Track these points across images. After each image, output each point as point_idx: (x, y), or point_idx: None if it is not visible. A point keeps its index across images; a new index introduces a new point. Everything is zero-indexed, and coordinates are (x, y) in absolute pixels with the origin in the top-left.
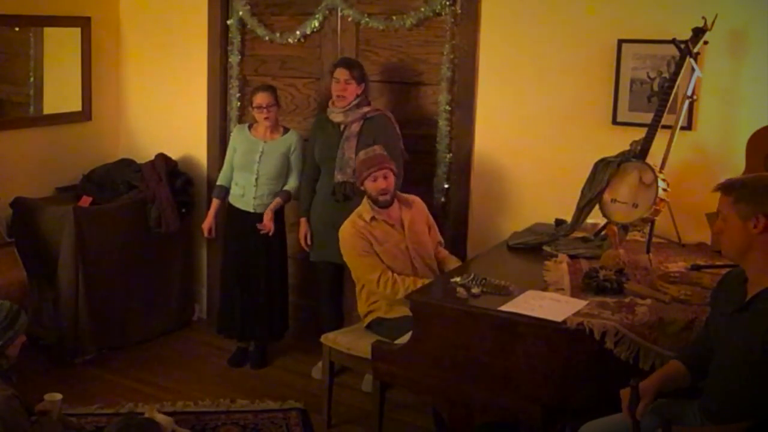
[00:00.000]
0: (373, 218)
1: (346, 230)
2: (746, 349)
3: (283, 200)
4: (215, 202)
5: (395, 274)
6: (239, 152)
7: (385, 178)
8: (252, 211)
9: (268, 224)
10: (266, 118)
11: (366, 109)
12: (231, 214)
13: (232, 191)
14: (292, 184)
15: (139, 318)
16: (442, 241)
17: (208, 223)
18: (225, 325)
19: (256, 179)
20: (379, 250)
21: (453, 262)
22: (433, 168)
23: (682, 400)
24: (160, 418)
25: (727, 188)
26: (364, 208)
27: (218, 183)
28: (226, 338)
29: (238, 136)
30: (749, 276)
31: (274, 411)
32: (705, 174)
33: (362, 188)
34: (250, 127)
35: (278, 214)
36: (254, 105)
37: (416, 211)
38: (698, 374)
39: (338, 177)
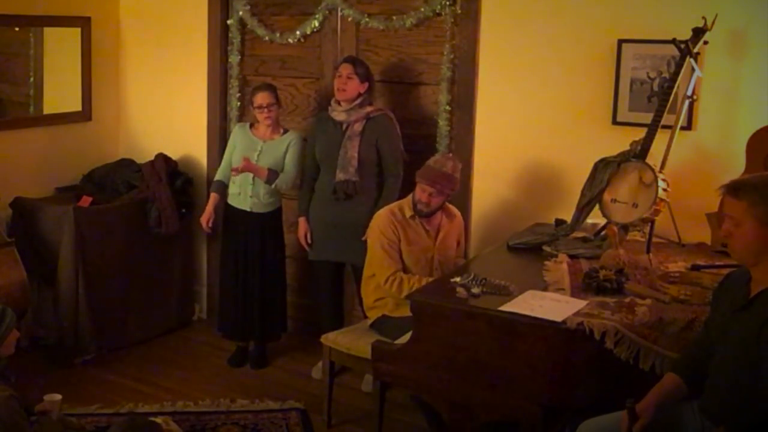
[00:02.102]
0: (413, 216)
1: (382, 215)
2: (745, 346)
3: (268, 176)
4: (213, 197)
5: (403, 274)
6: (238, 150)
7: (430, 195)
8: (249, 210)
9: (243, 163)
10: (267, 118)
11: (369, 109)
12: (228, 213)
13: (229, 190)
14: (283, 174)
15: (139, 318)
16: (463, 257)
17: (206, 215)
18: (224, 324)
19: (253, 178)
20: (405, 249)
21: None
22: None
23: (681, 401)
24: (174, 427)
25: (737, 192)
26: (407, 203)
27: (216, 178)
28: (226, 338)
29: (238, 134)
30: (754, 275)
31: (274, 411)
32: (705, 174)
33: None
34: (251, 127)
35: (276, 214)
36: (255, 105)
37: (454, 226)
38: (695, 383)
39: (340, 176)
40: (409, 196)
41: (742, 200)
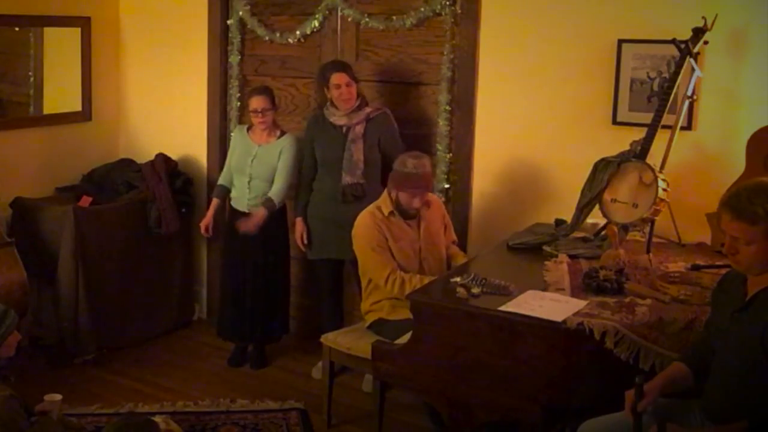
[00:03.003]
0: (391, 213)
1: (363, 220)
2: (746, 347)
3: (267, 209)
4: (215, 201)
5: (403, 273)
6: (236, 154)
7: (421, 197)
8: (247, 211)
9: (247, 224)
10: (261, 122)
11: (368, 110)
12: (230, 215)
13: (231, 193)
14: (275, 189)
15: (139, 318)
16: (456, 239)
17: (206, 221)
18: (224, 328)
19: (249, 182)
20: (393, 246)
21: (461, 259)
22: (433, 168)
23: (683, 400)
24: (174, 427)
25: (743, 214)
26: (384, 202)
27: (219, 183)
28: (225, 340)
29: (237, 137)
30: (752, 278)
31: (274, 411)
32: (705, 174)
33: (392, 192)
34: (248, 129)
35: (280, 214)
36: (250, 109)
37: (434, 211)
38: (701, 375)
39: (347, 179)
40: (383, 196)
41: (747, 222)
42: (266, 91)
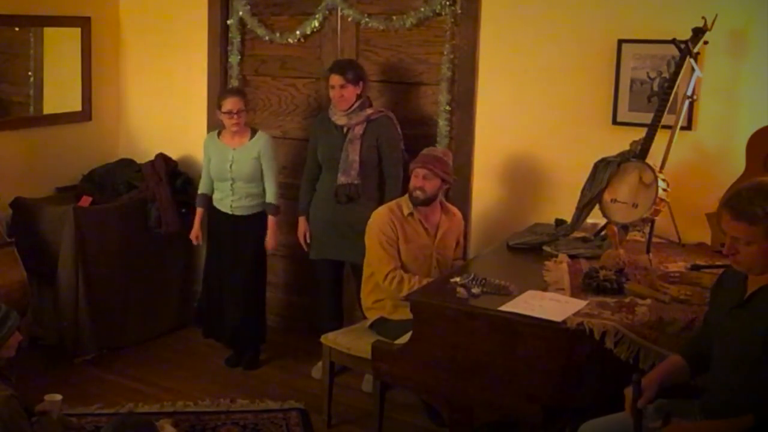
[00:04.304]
0: (410, 214)
1: (380, 213)
2: (746, 345)
3: (274, 215)
4: (199, 211)
5: (403, 273)
6: (213, 161)
7: (424, 178)
8: (230, 213)
9: (268, 242)
10: (235, 124)
11: (369, 111)
12: (212, 215)
13: (213, 195)
14: (271, 192)
15: (139, 318)
16: (461, 257)
17: (195, 231)
18: (210, 327)
19: (232, 185)
20: (403, 247)
21: None
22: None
23: (682, 400)
24: (170, 430)
25: (742, 215)
26: (405, 201)
27: (199, 192)
28: (214, 340)
29: (210, 144)
30: (750, 274)
31: (274, 411)
32: (705, 174)
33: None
34: (219, 134)
35: (259, 216)
36: (223, 110)
37: (453, 224)
38: (698, 368)
39: (341, 179)
40: (407, 195)
41: (747, 222)
42: (240, 93)
